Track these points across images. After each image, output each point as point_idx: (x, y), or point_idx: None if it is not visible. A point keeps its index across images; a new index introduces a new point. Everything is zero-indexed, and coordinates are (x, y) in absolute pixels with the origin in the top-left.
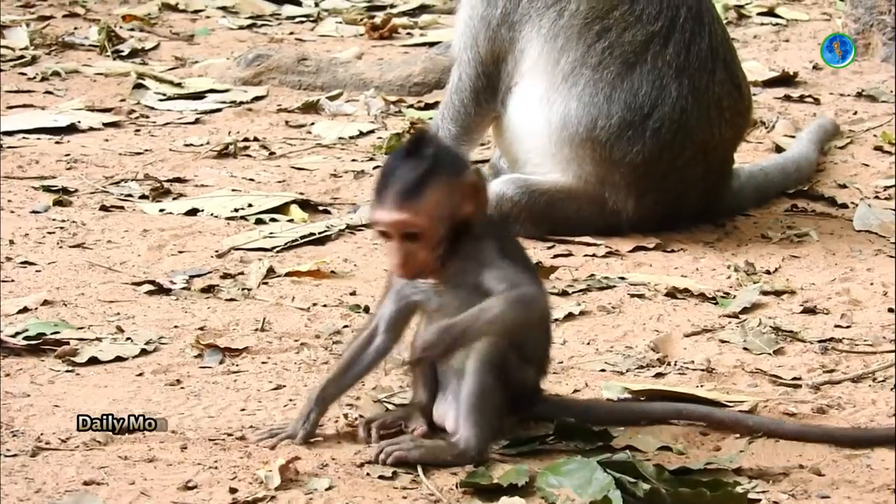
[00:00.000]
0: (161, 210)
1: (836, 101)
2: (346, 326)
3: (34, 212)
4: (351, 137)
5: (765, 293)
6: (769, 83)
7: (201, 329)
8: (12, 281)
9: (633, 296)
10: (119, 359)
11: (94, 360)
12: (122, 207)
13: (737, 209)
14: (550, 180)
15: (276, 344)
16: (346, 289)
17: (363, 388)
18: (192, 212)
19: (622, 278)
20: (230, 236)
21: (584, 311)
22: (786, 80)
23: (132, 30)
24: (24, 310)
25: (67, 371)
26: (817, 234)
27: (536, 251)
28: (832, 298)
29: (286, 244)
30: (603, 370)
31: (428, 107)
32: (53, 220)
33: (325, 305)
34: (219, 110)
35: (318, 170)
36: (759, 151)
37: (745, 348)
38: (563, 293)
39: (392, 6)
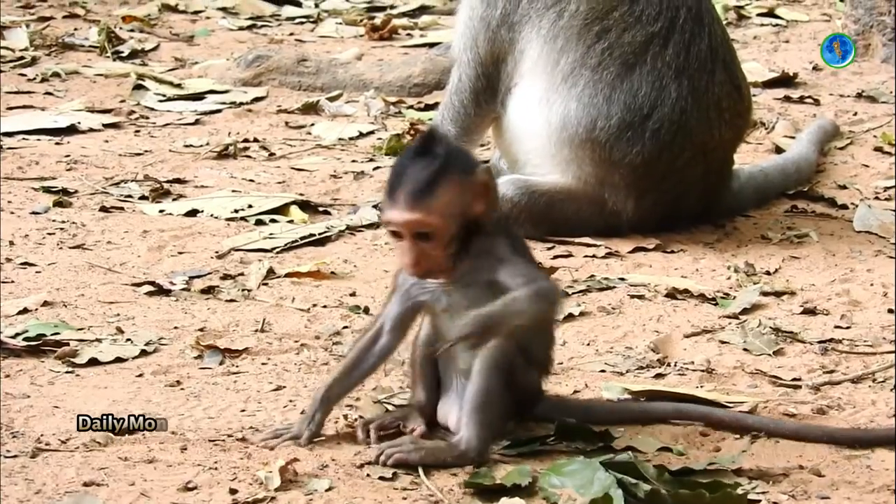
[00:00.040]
0: (161, 211)
1: (835, 101)
2: (346, 327)
3: (34, 213)
4: (351, 138)
5: (765, 294)
6: (769, 84)
7: (201, 330)
8: (12, 282)
9: (632, 296)
10: (119, 360)
11: (93, 361)
12: (121, 208)
13: (737, 210)
14: (550, 181)
15: (276, 345)
16: (346, 290)
17: (363, 389)
18: (192, 213)
19: (622, 279)
20: (230, 237)
21: (584, 312)
22: (786, 80)
23: (132, 31)
24: (24, 311)
25: (67, 372)
26: (817, 235)
27: (536, 252)
28: (832, 299)
29: (286, 245)
30: (603, 371)
31: (428, 108)
32: (53, 221)
33: (325, 306)
34: (219, 111)
35: (318, 171)
36: (758, 152)
37: (744, 349)
38: (563, 294)
39: (392, 7)
